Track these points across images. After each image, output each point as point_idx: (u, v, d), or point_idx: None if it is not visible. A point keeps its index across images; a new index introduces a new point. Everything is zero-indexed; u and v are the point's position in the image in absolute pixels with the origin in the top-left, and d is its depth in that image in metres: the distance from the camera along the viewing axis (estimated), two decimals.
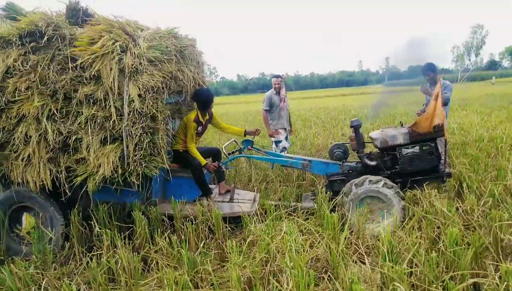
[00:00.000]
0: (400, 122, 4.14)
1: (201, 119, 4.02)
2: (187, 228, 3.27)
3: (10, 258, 3.17)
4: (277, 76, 5.86)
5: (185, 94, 3.88)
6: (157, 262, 2.95)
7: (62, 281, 2.56)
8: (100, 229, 3.22)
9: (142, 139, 3.26)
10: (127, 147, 3.24)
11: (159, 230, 3.33)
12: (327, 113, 14.53)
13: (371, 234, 3.26)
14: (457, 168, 4.76)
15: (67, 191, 3.30)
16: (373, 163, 3.84)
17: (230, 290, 2.61)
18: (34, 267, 2.85)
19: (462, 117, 9.99)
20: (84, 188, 3.28)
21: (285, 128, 5.94)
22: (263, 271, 2.65)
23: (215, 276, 2.93)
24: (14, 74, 3.27)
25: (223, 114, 18.78)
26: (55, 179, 3.33)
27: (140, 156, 3.27)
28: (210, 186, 4.26)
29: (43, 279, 2.67)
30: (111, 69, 3.17)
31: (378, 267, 2.44)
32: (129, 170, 3.25)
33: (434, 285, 2.28)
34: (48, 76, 3.24)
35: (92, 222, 3.33)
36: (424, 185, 3.71)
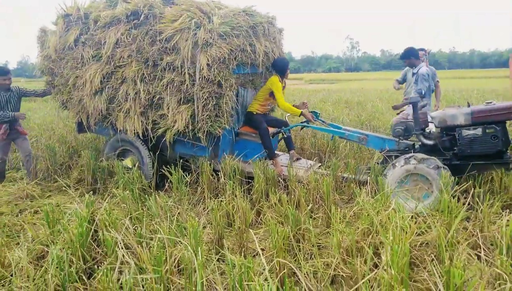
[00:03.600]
0: (468, 102, 4.01)
1: (280, 80, 4.81)
2: (298, 191, 3.44)
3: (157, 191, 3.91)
4: (421, 50, 5.86)
5: (257, 66, 4.63)
6: (270, 216, 3.25)
7: (189, 215, 3.05)
8: (224, 179, 3.64)
9: (209, 102, 4.04)
10: (197, 108, 4.08)
11: (273, 188, 3.60)
12: (480, 96, 12.58)
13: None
14: None
15: (152, 139, 4.35)
16: (430, 142, 3.86)
17: (328, 252, 2.68)
18: (173, 201, 3.43)
19: None
20: (164, 139, 4.25)
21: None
22: (364, 241, 2.64)
23: (319, 239, 3.03)
24: (120, 45, 4.40)
25: (358, 90, 18.08)
26: (145, 130, 4.39)
27: (206, 116, 4.06)
28: (278, 153, 5.16)
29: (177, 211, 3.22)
30: (186, 41, 3.98)
31: (492, 260, 2.18)
32: (198, 126, 4.10)
33: None
34: (143, 47, 4.25)
35: (219, 173, 3.79)
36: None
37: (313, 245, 2.86)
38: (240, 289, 2.20)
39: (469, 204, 3.51)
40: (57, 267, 2.38)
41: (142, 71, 4.30)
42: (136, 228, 2.91)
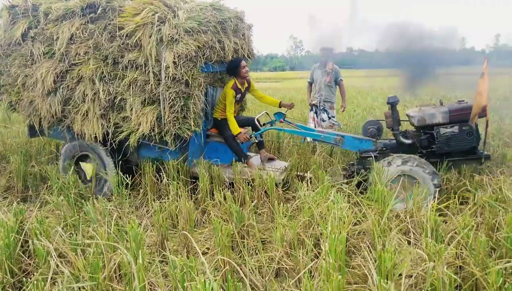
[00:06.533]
0: (440, 100, 3.93)
1: (239, 86, 4.27)
2: (243, 188, 3.45)
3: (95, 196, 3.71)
4: (325, 49, 5.85)
5: (224, 64, 4.23)
6: (214, 215, 3.20)
7: (130, 217, 2.95)
8: (168, 180, 3.56)
9: (176, 102, 3.66)
10: (163, 109, 3.69)
11: (218, 186, 3.57)
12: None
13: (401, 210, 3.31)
14: None
15: (113, 143, 3.91)
16: (409, 141, 3.87)
17: (273, 246, 2.73)
18: (113, 205, 3.29)
19: None
20: (127, 143, 3.85)
21: (316, 105, 5.84)
22: (306, 233, 2.73)
23: (263, 234, 3.07)
24: (76, 40, 3.91)
25: (302, 88, 18.59)
26: (105, 134, 3.94)
27: (174, 117, 3.68)
28: (250, 154, 4.77)
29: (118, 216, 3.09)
30: (150, 37, 3.61)
31: (419, 243, 2.37)
32: (165, 129, 3.71)
33: (478, 269, 2.14)
34: (101, 43, 3.81)
35: (161, 174, 3.68)
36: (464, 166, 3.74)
37: (257, 241, 2.73)
38: (182, 290, 2.01)
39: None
40: None
41: (101, 69, 3.82)
42: (71, 235, 2.60)
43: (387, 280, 2.06)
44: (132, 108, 3.77)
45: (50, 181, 3.99)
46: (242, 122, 4.41)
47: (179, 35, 3.59)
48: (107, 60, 3.81)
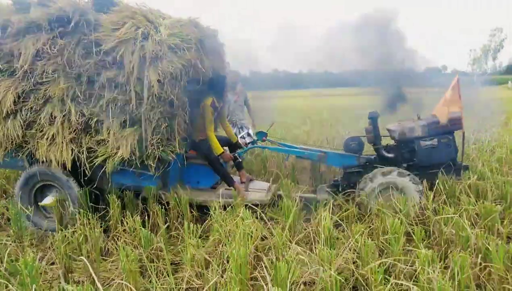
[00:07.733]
0: (417, 115, 3.87)
1: (217, 105, 3.84)
2: (156, 211, 3.43)
3: None
4: (233, 72, 5.99)
5: (203, 83, 3.76)
6: (124, 241, 3.13)
7: (26, 252, 2.77)
8: (74, 208, 3.40)
9: (160, 123, 3.23)
10: (145, 131, 3.19)
11: (128, 212, 3.45)
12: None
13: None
14: None
15: (87, 171, 3.34)
16: (391, 155, 3.72)
17: (183, 267, 2.78)
18: (11, 239, 3.05)
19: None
20: (103, 169, 3.26)
21: (235, 124, 5.73)
22: (215, 252, 2.82)
23: (176, 256, 3.10)
24: (42, 57, 3.27)
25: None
26: (76, 160, 3.31)
27: (157, 139, 3.24)
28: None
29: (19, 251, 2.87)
30: (132, 54, 3.15)
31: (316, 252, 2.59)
32: (147, 153, 3.21)
33: (365, 270, 2.42)
34: (74, 60, 3.23)
35: (66, 202, 3.47)
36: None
37: (167, 263, 2.51)
38: None
39: (308, 206, 4.01)
40: None
41: (73, 89, 3.27)
42: None
43: (280, 287, 2.21)
44: (109, 130, 3.23)
45: None
46: (221, 142, 4.01)
47: (163, 52, 3.17)
48: (81, 78, 3.24)
